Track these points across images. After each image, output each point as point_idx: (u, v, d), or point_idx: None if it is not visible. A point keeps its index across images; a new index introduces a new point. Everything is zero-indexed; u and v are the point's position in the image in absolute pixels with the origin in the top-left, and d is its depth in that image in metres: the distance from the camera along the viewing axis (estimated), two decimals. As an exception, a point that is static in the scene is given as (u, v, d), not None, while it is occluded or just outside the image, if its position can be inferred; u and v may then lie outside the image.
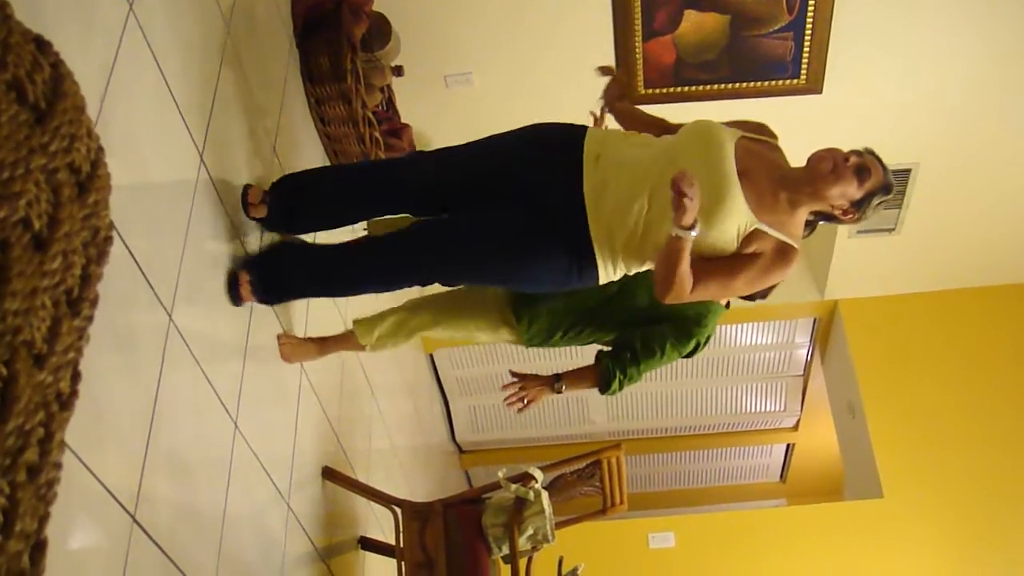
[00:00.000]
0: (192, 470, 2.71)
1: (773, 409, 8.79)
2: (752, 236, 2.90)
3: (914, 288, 6.98)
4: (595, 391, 3.76)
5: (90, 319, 1.45)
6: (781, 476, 9.86)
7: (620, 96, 3.52)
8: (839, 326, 7.26)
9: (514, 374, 3.82)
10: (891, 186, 2.98)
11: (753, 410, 8.80)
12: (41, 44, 1.33)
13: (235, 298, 3.19)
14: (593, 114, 3.68)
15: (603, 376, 3.69)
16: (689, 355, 3.74)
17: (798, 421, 9.00)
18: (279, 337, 3.63)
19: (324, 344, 3.88)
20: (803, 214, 3.00)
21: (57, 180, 1.30)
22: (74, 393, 1.39)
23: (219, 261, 3.09)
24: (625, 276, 3.17)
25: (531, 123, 3.31)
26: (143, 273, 2.45)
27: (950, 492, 6.50)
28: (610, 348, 3.76)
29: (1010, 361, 6.81)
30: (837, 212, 2.99)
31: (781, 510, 8.69)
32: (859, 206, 2.96)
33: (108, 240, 1.49)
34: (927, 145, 5.79)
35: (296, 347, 3.73)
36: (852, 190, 2.92)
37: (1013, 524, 6.40)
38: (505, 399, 3.83)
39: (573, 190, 3.01)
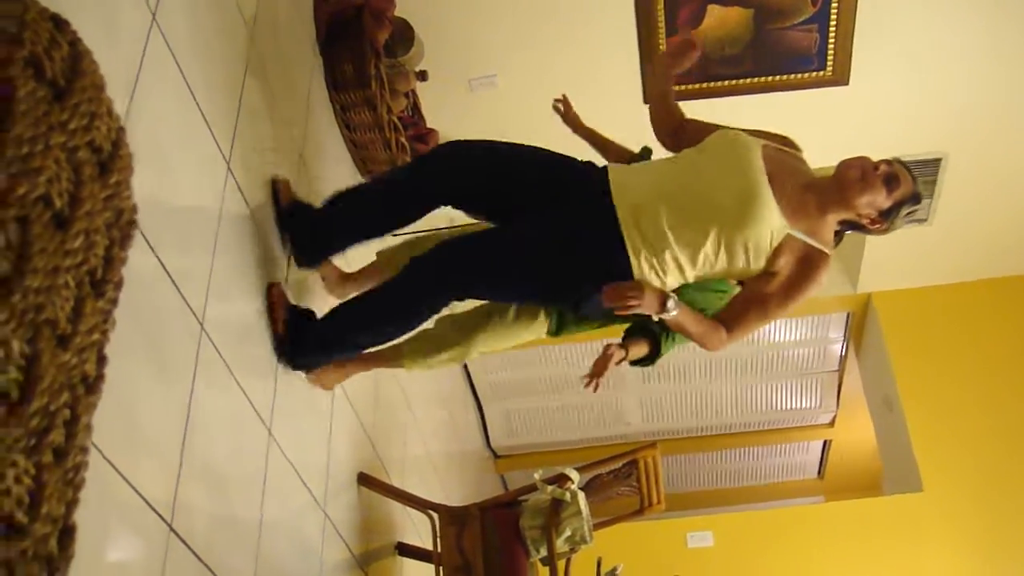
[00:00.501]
0: (227, 478, 2.70)
1: (809, 406, 8.74)
2: (783, 245, 2.88)
3: (949, 279, 6.91)
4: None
5: (115, 302, 1.44)
6: (819, 473, 9.80)
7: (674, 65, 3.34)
8: (873, 319, 7.20)
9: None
10: (920, 196, 2.97)
11: (789, 407, 8.76)
12: (59, 23, 1.32)
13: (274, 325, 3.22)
14: (559, 102, 3.68)
15: (655, 347, 3.62)
16: None
17: (834, 417, 8.94)
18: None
19: (361, 361, 3.75)
20: (832, 220, 2.98)
21: (78, 158, 1.28)
22: (100, 377, 1.38)
23: (248, 270, 3.09)
24: None
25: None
26: (173, 281, 2.44)
27: (991, 483, 6.44)
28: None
29: (1049, 349, 6.74)
30: (865, 221, 2.97)
31: (819, 507, 8.63)
32: (887, 216, 2.95)
33: (132, 223, 1.48)
34: (957, 134, 5.74)
35: (324, 371, 3.59)
36: (881, 199, 2.91)
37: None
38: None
39: (605, 202, 2.99)
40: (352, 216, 3.40)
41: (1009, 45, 5.24)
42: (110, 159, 1.38)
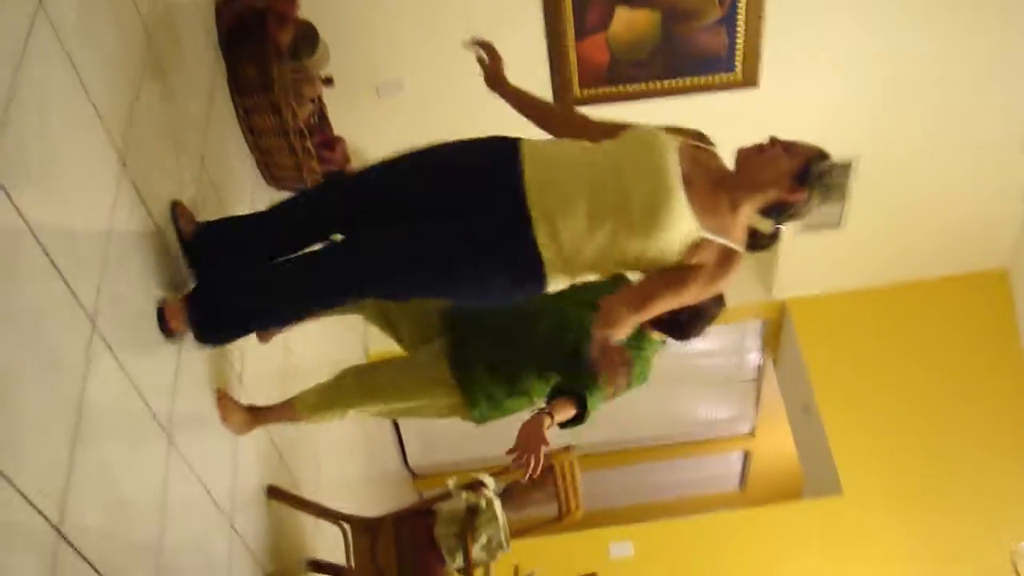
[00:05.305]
0: (123, 486, 2.56)
1: (728, 416, 8.77)
2: (696, 246, 2.84)
3: (862, 283, 6.98)
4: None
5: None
6: (740, 484, 9.83)
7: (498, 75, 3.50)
8: (789, 326, 7.24)
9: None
10: (826, 152, 2.89)
11: (708, 419, 8.78)
12: None
13: (166, 331, 3.00)
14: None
15: (582, 406, 3.51)
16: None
17: (754, 427, 8.98)
18: (217, 391, 3.46)
19: (259, 415, 3.67)
20: (745, 214, 2.93)
21: None
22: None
23: (144, 271, 2.95)
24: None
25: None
26: (64, 280, 2.33)
27: (908, 484, 6.52)
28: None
29: (961, 350, 6.86)
30: (784, 194, 2.87)
31: (739, 513, 8.59)
32: (802, 179, 2.84)
33: None
34: (867, 137, 5.81)
35: (233, 411, 3.52)
36: (785, 163, 2.85)
37: (971, 510, 6.41)
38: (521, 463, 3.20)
39: (515, 187, 2.90)
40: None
41: (919, 46, 5.30)
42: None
